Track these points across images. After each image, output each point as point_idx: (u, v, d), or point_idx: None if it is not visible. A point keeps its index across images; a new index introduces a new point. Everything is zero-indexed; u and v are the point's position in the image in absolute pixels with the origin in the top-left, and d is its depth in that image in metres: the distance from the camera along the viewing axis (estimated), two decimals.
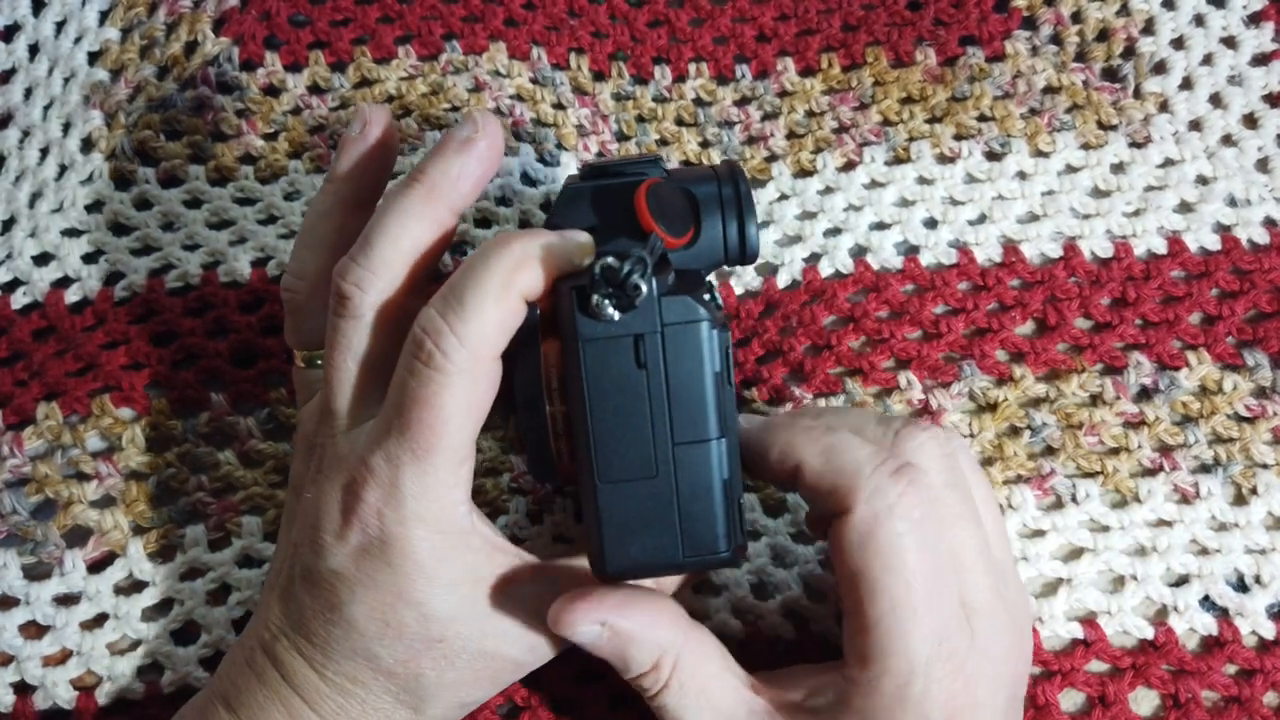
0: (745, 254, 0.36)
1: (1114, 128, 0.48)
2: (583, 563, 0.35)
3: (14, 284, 0.46)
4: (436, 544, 0.33)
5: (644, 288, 0.30)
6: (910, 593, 0.31)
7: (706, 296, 0.33)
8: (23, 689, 0.41)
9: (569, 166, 0.48)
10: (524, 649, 0.35)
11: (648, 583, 0.36)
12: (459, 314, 0.31)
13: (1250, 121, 0.49)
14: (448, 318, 0.32)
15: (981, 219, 0.47)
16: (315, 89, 0.49)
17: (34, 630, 0.42)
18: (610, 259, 0.30)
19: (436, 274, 0.36)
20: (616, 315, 0.31)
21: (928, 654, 0.31)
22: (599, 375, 0.32)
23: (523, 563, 0.35)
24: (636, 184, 0.34)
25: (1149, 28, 0.50)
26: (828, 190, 0.47)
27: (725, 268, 0.46)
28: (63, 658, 0.41)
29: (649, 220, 0.33)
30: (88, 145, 0.48)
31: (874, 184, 0.47)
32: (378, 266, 0.34)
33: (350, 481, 0.33)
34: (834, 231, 0.47)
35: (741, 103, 0.49)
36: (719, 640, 0.35)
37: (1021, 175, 0.47)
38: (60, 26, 0.50)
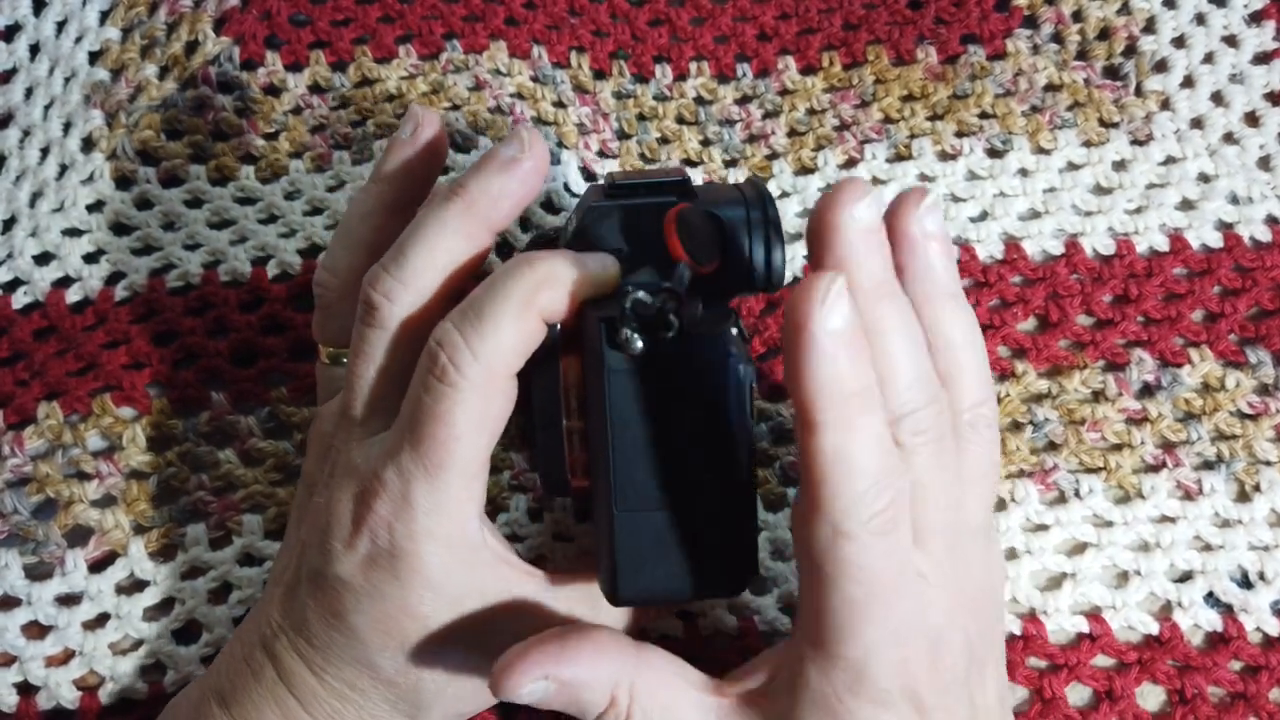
0: (770, 282, 0.35)
1: (1115, 125, 0.48)
2: (588, 579, 0.35)
3: (15, 284, 0.46)
4: (445, 559, 0.32)
5: (674, 323, 0.30)
6: (870, 596, 0.29)
7: (734, 330, 0.32)
8: (25, 689, 0.41)
9: (569, 165, 0.48)
10: None
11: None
12: (477, 329, 0.31)
13: (1252, 119, 0.49)
14: (465, 333, 0.31)
15: (983, 216, 0.47)
16: (316, 88, 0.49)
17: (36, 630, 0.41)
18: (641, 294, 0.30)
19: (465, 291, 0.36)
20: (644, 348, 0.31)
21: (882, 638, 0.30)
22: (623, 407, 0.31)
23: (529, 577, 0.35)
24: (665, 206, 0.33)
25: (1150, 26, 0.50)
26: (829, 188, 0.47)
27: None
28: (65, 658, 0.41)
29: (679, 250, 0.32)
30: (88, 145, 0.48)
31: (875, 181, 0.47)
32: (409, 279, 0.33)
33: (362, 492, 0.32)
34: None
35: (742, 101, 0.49)
36: (666, 651, 0.34)
37: (1023, 172, 0.47)
38: (61, 26, 0.50)
